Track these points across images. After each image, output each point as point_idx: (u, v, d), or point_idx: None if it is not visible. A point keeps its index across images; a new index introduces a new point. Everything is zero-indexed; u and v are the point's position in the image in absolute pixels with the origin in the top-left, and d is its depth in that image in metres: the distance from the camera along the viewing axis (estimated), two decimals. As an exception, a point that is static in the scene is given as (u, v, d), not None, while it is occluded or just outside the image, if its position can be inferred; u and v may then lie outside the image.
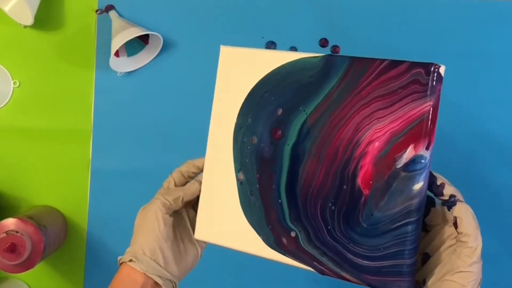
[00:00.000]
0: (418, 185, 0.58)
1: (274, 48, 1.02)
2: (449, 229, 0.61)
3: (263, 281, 1.04)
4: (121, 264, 0.68)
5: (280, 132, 0.66)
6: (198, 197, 0.71)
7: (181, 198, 0.69)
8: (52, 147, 1.04)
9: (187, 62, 1.03)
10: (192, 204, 0.73)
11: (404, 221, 0.58)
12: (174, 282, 0.69)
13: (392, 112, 0.59)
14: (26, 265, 0.91)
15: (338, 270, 0.63)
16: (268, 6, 1.03)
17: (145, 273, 0.66)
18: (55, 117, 1.04)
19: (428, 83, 0.57)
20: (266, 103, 0.67)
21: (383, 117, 0.59)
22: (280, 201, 0.66)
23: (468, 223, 0.58)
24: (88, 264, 1.05)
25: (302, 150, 0.64)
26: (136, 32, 0.96)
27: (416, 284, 0.62)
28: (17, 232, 0.90)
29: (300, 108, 0.64)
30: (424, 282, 0.61)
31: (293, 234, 0.66)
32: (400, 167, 0.58)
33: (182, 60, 1.03)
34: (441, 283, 0.59)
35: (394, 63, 0.59)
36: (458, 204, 0.59)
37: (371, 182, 0.60)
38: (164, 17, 1.03)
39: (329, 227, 0.63)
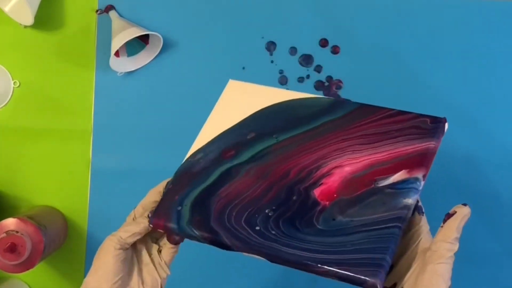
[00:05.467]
0: (409, 200, 0.58)
1: (274, 49, 1.02)
2: (416, 235, 0.61)
3: (262, 282, 1.04)
4: None
5: (233, 152, 0.66)
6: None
7: (134, 233, 0.69)
8: (52, 147, 1.04)
9: (187, 62, 1.03)
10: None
11: (391, 224, 0.58)
12: None
13: (374, 147, 0.61)
14: (26, 265, 0.91)
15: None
16: (268, 6, 1.03)
17: None
18: (55, 117, 1.04)
19: (430, 128, 0.61)
20: (241, 130, 0.67)
21: (359, 150, 0.61)
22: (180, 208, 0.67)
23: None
24: (88, 264, 1.05)
25: (237, 171, 0.65)
26: (136, 32, 0.96)
27: None
28: (17, 232, 0.90)
29: (274, 136, 0.65)
30: (394, 285, 0.60)
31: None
32: (384, 185, 0.59)
33: (182, 60, 1.03)
34: None
35: (402, 112, 0.62)
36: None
37: (335, 196, 0.60)
38: (164, 17, 1.03)
39: (257, 228, 0.63)
